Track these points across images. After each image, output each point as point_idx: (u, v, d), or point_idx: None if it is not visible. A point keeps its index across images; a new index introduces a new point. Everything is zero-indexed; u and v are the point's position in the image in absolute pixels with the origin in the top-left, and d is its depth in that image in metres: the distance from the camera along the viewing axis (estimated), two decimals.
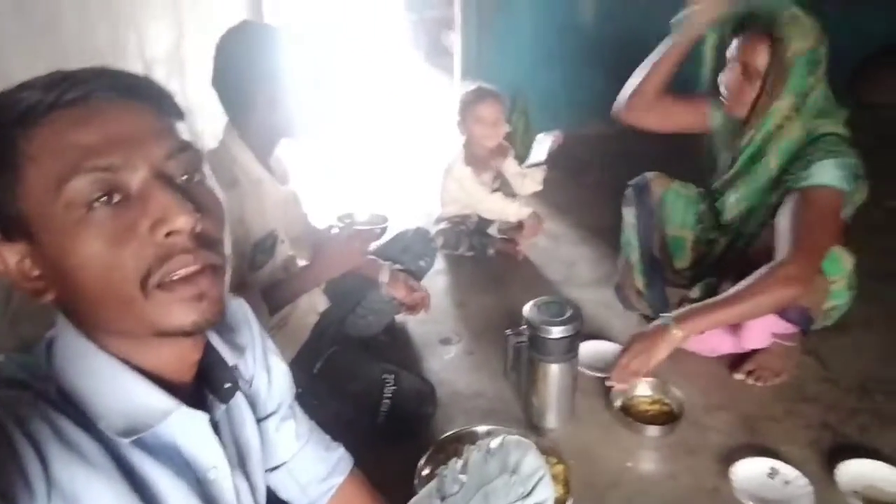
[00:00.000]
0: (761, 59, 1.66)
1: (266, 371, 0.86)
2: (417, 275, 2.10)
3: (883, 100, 4.26)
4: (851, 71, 4.31)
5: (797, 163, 1.67)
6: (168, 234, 0.57)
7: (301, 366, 1.69)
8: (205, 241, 0.60)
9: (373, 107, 5.38)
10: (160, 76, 2.08)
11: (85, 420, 0.59)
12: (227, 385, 0.73)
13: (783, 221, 1.63)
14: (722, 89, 1.79)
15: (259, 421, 0.85)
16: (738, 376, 1.88)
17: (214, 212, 0.63)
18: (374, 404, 1.61)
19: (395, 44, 7.59)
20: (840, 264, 1.67)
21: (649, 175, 2.08)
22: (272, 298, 1.58)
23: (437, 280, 2.51)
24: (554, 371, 1.63)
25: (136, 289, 0.57)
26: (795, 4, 1.65)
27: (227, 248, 0.65)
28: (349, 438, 1.04)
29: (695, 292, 1.93)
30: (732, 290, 1.58)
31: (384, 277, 1.91)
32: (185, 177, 0.61)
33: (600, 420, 1.74)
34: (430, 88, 5.46)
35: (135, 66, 1.88)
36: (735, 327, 1.80)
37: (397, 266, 1.98)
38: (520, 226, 2.71)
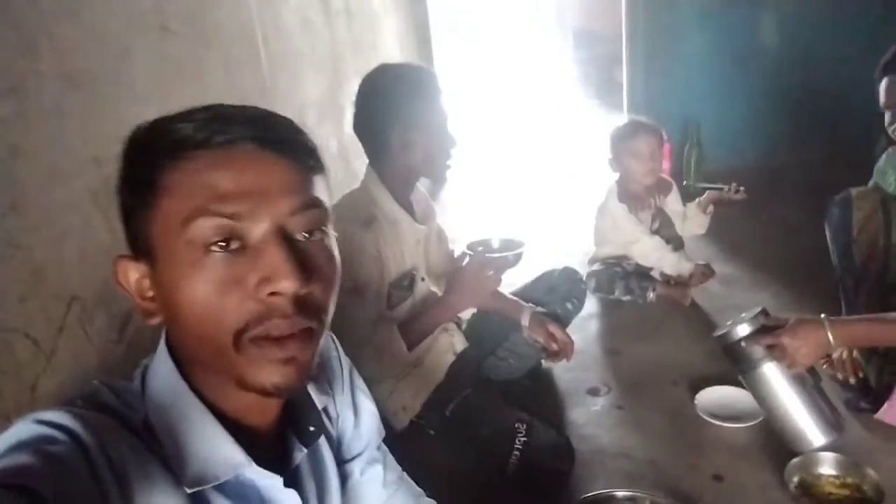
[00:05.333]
0: None
1: (353, 411, 0.83)
2: (564, 318, 1.98)
3: None
4: None
5: None
6: (272, 294, 0.57)
7: (434, 406, 1.66)
8: (306, 306, 0.59)
9: (534, 145, 5.37)
10: (311, 120, 2.22)
11: (165, 455, 0.59)
12: (312, 429, 0.71)
13: None
14: None
15: (343, 463, 0.82)
16: None
17: (326, 275, 0.62)
18: (504, 454, 1.51)
19: (565, 82, 7.58)
20: None
21: (854, 190, 1.83)
22: (409, 333, 1.57)
23: (588, 325, 2.36)
24: (770, 374, 1.46)
25: (230, 339, 0.57)
26: None
27: (331, 310, 0.64)
28: (476, 489, 0.97)
29: None
30: None
31: (525, 320, 1.82)
32: (306, 234, 0.61)
33: (772, 499, 1.47)
34: (597, 125, 5.32)
35: (284, 109, 2.03)
36: None
37: (540, 308, 1.89)
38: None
